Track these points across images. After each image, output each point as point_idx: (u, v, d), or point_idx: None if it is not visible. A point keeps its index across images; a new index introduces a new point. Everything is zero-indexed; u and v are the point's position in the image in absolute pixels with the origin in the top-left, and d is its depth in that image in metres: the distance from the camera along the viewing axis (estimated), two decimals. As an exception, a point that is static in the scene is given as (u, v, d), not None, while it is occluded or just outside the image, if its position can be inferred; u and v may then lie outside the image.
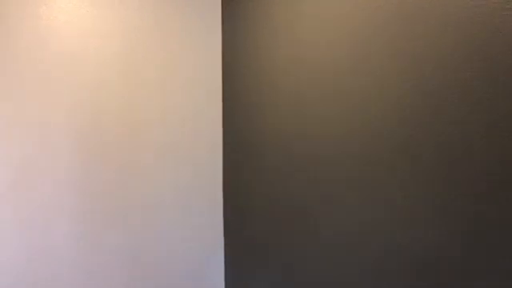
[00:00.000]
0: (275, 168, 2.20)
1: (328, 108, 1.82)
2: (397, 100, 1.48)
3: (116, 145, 2.63)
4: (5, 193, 2.45)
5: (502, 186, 1.13)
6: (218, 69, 2.80)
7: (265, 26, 2.31)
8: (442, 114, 1.30)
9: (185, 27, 2.75)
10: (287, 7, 2.10)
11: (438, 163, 1.31)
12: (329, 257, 1.82)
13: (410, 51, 1.41)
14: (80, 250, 2.56)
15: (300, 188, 2.01)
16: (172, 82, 2.72)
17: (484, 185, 1.17)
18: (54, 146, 2.53)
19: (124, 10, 2.65)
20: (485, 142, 1.17)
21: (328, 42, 1.81)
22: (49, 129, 2.53)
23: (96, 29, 2.59)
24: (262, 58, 2.33)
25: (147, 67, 2.68)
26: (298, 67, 2.01)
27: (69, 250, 2.54)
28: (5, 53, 2.49)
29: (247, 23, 2.50)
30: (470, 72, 1.21)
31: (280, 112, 2.15)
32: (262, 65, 2.34)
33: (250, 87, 2.46)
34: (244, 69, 2.53)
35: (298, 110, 2.01)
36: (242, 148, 2.57)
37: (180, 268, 2.72)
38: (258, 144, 2.38)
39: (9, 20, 2.49)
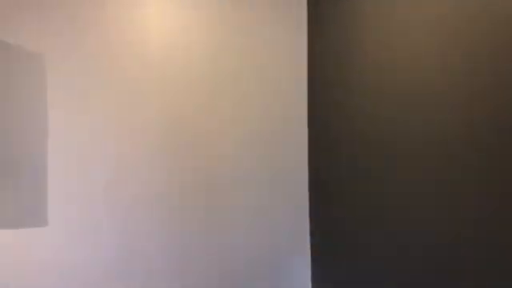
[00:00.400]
0: (367, 169, 2.23)
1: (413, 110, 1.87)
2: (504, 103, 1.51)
3: (201, 144, 2.72)
4: (101, 193, 2.55)
5: None
6: (304, 68, 2.85)
7: (354, 26, 2.33)
8: None
9: (270, 28, 2.80)
10: (378, 8, 2.11)
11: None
12: (426, 257, 1.85)
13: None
14: (168, 252, 2.68)
15: (394, 187, 2.02)
16: (257, 82, 2.77)
17: None
18: (143, 145, 2.64)
19: (208, 10, 2.74)
20: None
21: (426, 42, 1.84)
22: (139, 129, 2.62)
23: (183, 29, 2.70)
24: (351, 59, 2.34)
25: (232, 68, 2.74)
26: (389, 67, 2.03)
27: (156, 251, 2.66)
28: (99, 57, 2.59)
29: (335, 25, 2.54)
30: None
31: (373, 113, 2.16)
32: (350, 66, 2.35)
33: (336, 87, 2.47)
34: (331, 71, 2.52)
35: (395, 111, 2.02)
36: (329, 148, 2.60)
37: (264, 268, 2.79)
38: (347, 144, 2.39)
39: (102, 25, 2.61)
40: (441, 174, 1.82)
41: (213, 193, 2.80)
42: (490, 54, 1.60)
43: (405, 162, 2.02)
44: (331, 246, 2.66)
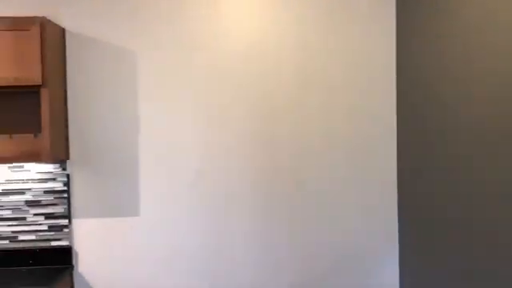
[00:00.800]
0: (457, 168, 2.19)
1: None
2: None
3: (289, 136, 2.78)
4: (188, 186, 2.73)
5: None
6: (392, 68, 2.80)
7: (445, 23, 2.28)
8: None
9: (359, 27, 2.79)
10: (476, 7, 2.05)
11: None
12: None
13: None
14: (252, 246, 2.77)
15: (487, 188, 1.97)
16: (345, 79, 2.79)
17: None
18: (232, 139, 2.76)
19: (300, 7, 2.77)
20: None
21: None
22: (227, 123, 2.76)
23: (273, 23, 2.76)
24: (441, 59, 2.29)
25: (322, 64, 2.77)
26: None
27: (241, 245, 2.77)
28: (187, 53, 2.73)
29: (424, 24, 2.48)
30: None
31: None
32: (439, 66, 2.31)
33: (428, 86, 2.41)
34: (420, 71, 2.48)
35: (489, 104, 1.96)
36: (418, 149, 2.55)
37: (352, 265, 2.79)
38: (438, 146, 2.35)
39: (192, 21, 2.73)
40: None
41: (299, 189, 2.80)
42: None
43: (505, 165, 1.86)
44: (420, 245, 2.57)
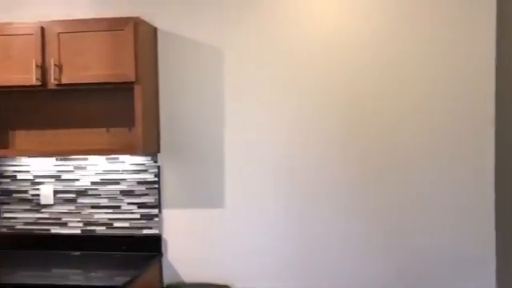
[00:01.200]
0: None
1: None
2: None
3: (381, 134, 2.70)
4: (273, 180, 2.76)
5: None
6: (492, 68, 2.61)
7: None
8: None
9: (458, 25, 2.63)
10: None
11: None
12: None
13: None
14: (348, 248, 2.73)
15: None
16: (443, 76, 2.65)
17: None
18: (320, 133, 2.73)
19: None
20: None
21: None
22: (313, 117, 2.73)
23: (354, 10, 2.70)
24: None
25: (420, 60, 2.65)
26: None
27: (335, 247, 2.73)
28: (273, 49, 2.74)
29: None
30: None
31: None
32: None
33: None
34: None
35: None
36: None
37: (448, 270, 2.67)
38: None
39: (278, 19, 2.73)
40: None
41: (393, 190, 2.72)
42: None
43: None
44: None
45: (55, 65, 2.54)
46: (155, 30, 2.80)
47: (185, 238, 2.83)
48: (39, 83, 2.56)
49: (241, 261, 2.79)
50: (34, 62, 2.54)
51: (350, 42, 2.70)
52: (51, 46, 2.56)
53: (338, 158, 2.72)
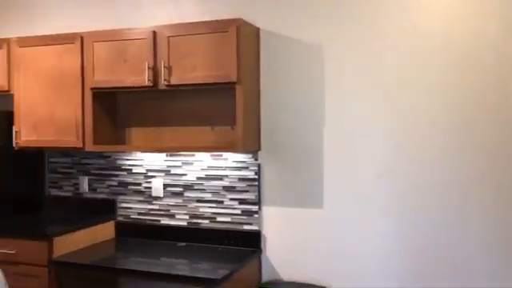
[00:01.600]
0: None
1: None
2: None
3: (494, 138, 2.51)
4: (372, 181, 2.67)
5: None
6: None
7: None
8: None
9: None
10: None
11: None
12: None
13: None
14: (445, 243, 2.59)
15: None
16: None
17: None
18: (422, 133, 2.60)
19: None
20: None
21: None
22: (415, 116, 2.61)
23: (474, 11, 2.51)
24: None
25: None
26: None
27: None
28: (372, 46, 2.66)
29: None
30: None
31: None
32: None
33: None
34: None
35: None
36: None
37: None
38: None
39: (381, 19, 2.65)
40: None
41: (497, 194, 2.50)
42: None
43: None
44: None
45: (165, 67, 2.71)
46: (258, 30, 2.86)
47: (282, 236, 2.86)
48: (151, 84, 2.75)
49: (338, 262, 2.75)
50: (146, 64, 2.74)
51: (459, 44, 2.53)
52: (162, 49, 2.74)
53: (440, 166, 2.57)
